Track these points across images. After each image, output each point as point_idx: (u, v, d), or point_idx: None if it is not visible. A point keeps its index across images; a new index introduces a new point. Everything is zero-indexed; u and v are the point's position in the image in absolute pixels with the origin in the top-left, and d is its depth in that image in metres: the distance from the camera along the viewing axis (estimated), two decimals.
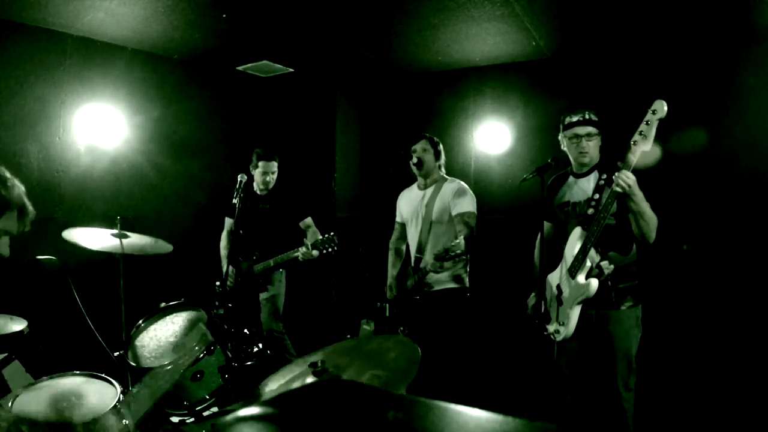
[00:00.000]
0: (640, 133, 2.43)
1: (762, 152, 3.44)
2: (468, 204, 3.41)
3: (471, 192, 3.50)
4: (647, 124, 2.42)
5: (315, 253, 3.71)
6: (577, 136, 2.75)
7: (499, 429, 0.53)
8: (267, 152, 4.02)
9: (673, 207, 2.58)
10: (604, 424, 2.75)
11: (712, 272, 3.56)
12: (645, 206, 2.50)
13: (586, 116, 2.74)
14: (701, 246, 3.58)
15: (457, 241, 2.97)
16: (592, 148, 2.76)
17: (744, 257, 3.47)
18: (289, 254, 3.79)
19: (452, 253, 2.98)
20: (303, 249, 3.72)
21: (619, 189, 2.44)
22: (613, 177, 2.48)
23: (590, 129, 2.74)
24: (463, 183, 3.54)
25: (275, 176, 4.06)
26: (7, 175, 1.61)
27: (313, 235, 4.00)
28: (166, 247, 3.16)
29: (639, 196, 2.47)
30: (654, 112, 2.41)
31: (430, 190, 3.56)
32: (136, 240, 3.10)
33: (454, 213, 3.41)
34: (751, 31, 3.43)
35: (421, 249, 3.52)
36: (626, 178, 2.43)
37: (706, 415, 3.40)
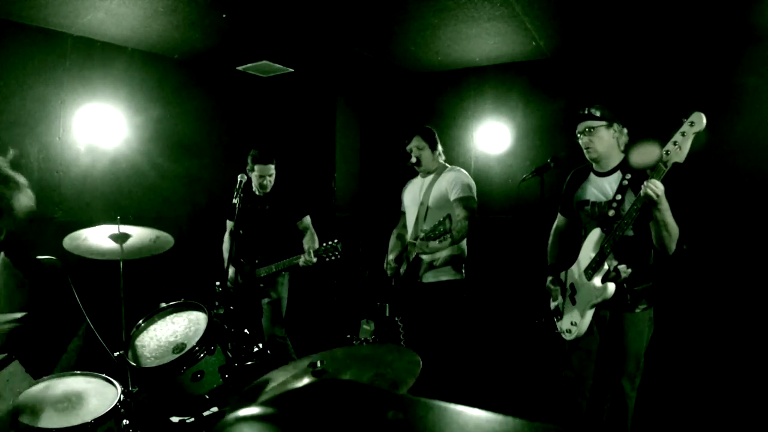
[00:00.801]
0: (674, 143, 2.33)
1: (762, 152, 3.44)
2: (467, 189, 3.43)
3: (471, 179, 3.51)
4: (683, 135, 2.32)
5: (315, 259, 3.67)
6: (580, 133, 2.74)
7: (499, 429, 0.53)
8: (263, 155, 3.91)
9: (673, 207, 2.56)
10: (606, 423, 2.75)
11: (711, 272, 3.56)
12: (669, 217, 2.44)
13: (586, 111, 2.71)
14: (701, 246, 3.58)
15: (442, 219, 3.00)
16: (597, 143, 2.69)
17: (744, 257, 3.47)
18: (291, 260, 3.75)
19: (437, 231, 3.02)
20: (305, 256, 3.67)
21: (648, 196, 2.36)
22: (642, 185, 2.40)
23: (589, 123, 2.69)
24: (463, 171, 3.56)
25: (273, 179, 3.97)
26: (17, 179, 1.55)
27: (311, 237, 3.97)
28: (166, 242, 3.14)
29: (665, 206, 2.40)
30: (692, 124, 2.31)
31: (429, 178, 3.59)
32: (136, 237, 3.08)
33: (452, 198, 3.43)
34: (751, 31, 3.43)
35: (416, 236, 3.52)
36: (655, 187, 2.35)
37: (705, 414, 3.40)
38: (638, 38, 3.71)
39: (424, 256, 3.40)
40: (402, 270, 3.52)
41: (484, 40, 3.84)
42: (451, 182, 3.47)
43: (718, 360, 3.50)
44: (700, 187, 3.58)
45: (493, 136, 4.50)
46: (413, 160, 3.56)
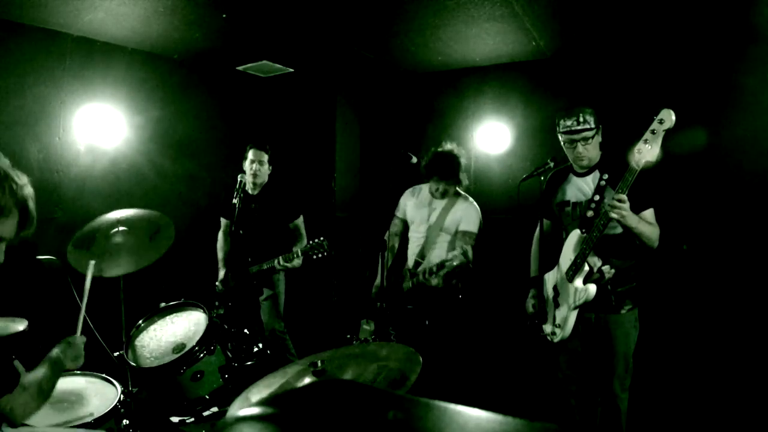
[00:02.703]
0: (645, 142, 2.30)
1: (762, 152, 3.44)
2: (473, 225, 3.49)
3: (480, 213, 3.55)
4: (653, 133, 2.29)
5: (297, 262, 3.72)
6: (573, 141, 2.69)
7: (499, 429, 0.53)
8: (257, 142, 3.97)
9: (673, 207, 2.56)
10: (600, 424, 2.76)
11: (711, 272, 3.56)
12: (642, 227, 2.45)
13: (581, 119, 2.64)
14: (701, 246, 3.58)
15: (454, 253, 3.06)
16: (591, 150, 2.68)
17: (744, 257, 3.47)
18: (271, 262, 3.79)
19: (447, 267, 3.08)
20: (280, 260, 3.72)
21: (615, 216, 2.37)
22: (607, 205, 2.39)
23: (586, 133, 2.64)
24: (475, 203, 3.59)
25: (265, 168, 3.94)
26: (17, 178, 1.50)
27: (299, 240, 3.98)
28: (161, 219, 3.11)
29: (632, 221, 2.40)
30: (661, 122, 2.28)
31: (444, 202, 3.59)
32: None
33: (460, 228, 3.48)
34: (751, 31, 3.43)
35: (423, 254, 3.56)
36: (619, 210, 2.34)
37: (699, 416, 3.40)
38: (638, 37, 3.72)
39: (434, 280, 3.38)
40: (405, 286, 3.54)
41: (484, 40, 3.83)
42: (463, 212, 3.52)
43: (708, 359, 3.49)
44: (699, 187, 3.59)
45: (493, 136, 4.50)
46: (439, 194, 3.55)
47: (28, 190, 1.54)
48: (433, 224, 3.57)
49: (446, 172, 3.47)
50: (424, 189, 3.73)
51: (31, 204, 1.55)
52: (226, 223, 4.16)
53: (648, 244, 2.50)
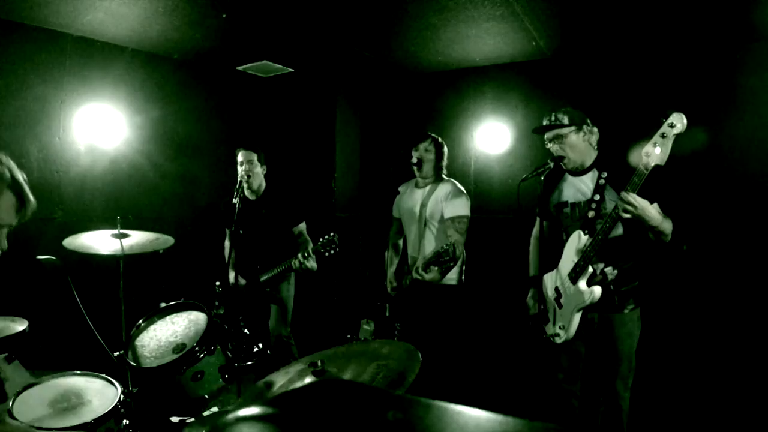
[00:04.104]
0: (654, 145, 2.23)
1: (762, 152, 3.44)
2: (460, 207, 3.41)
3: (466, 194, 3.49)
4: (663, 137, 2.21)
5: (309, 263, 3.62)
6: (549, 141, 2.69)
7: (499, 429, 0.53)
8: (246, 143, 3.88)
9: (673, 207, 2.55)
10: (602, 424, 2.75)
11: (711, 272, 3.56)
12: (666, 224, 2.38)
13: (552, 117, 2.63)
14: (701, 246, 3.58)
15: (446, 247, 3.00)
16: (567, 149, 2.65)
17: (744, 257, 3.47)
18: (287, 263, 3.70)
19: (442, 259, 3.02)
20: (297, 259, 3.62)
21: (627, 216, 2.31)
22: (617, 203, 2.35)
23: (556, 131, 2.63)
24: (458, 184, 3.54)
25: (257, 169, 3.83)
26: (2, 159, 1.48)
27: (304, 245, 3.86)
28: (167, 241, 3.15)
29: (655, 219, 2.33)
30: (672, 126, 2.19)
31: (426, 190, 3.57)
32: (136, 239, 3.10)
33: (445, 215, 3.42)
34: (751, 30, 3.43)
35: (417, 248, 3.55)
36: (633, 208, 2.28)
37: (699, 415, 3.40)
38: (639, 37, 3.71)
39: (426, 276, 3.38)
40: (404, 282, 3.54)
41: (484, 40, 3.83)
42: (445, 196, 3.44)
43: (708, 357, 3.50)
44: (699, 187, 3.59)
45: (493, 136, 4.50)
46: (414, 160, 3.53)
47: (19, 173, 1.52)
48: (419, 216, 3.55)
49: (419, 135, 3.56)
50: (412, 183, 3.72)
51: (26, 187, 1.52)
52: (229, 229, 4.12)
53: (663, 237, 2.43)
